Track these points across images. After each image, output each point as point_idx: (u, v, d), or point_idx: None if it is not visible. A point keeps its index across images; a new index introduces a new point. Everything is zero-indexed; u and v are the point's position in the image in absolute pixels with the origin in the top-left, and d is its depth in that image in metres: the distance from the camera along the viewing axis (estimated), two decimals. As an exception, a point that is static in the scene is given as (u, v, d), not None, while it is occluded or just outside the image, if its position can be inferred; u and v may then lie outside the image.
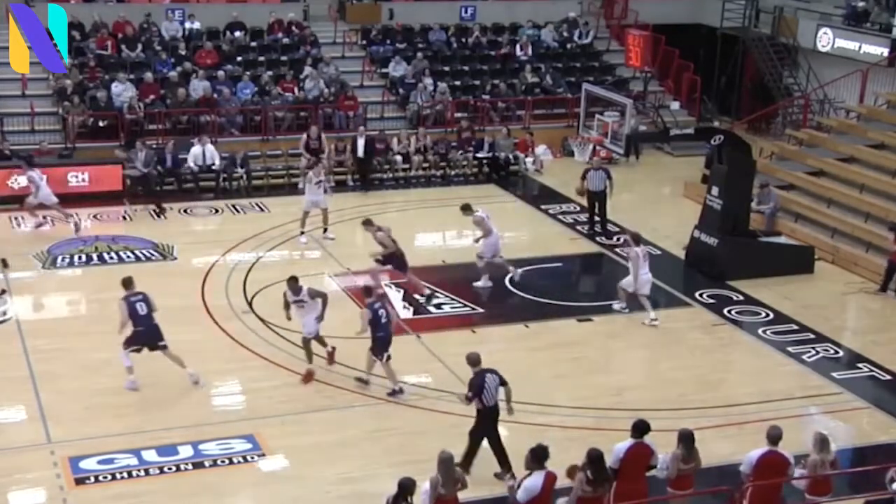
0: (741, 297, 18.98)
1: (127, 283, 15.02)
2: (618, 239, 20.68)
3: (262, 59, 28.07)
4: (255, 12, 29.37)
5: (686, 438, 11.29)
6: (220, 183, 24.00)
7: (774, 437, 11.22)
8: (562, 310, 18.24)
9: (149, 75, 26.14)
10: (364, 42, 29.75)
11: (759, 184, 21.81)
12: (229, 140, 25.05)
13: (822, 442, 11.42)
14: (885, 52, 26.81)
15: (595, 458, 10.71)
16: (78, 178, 23.21)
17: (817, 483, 11.32)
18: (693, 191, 24.32)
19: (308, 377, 15.27)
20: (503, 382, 12.62)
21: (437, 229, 22.42)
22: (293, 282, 15.38)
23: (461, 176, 25.88)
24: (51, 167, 22.51)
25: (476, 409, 12.59)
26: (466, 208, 19.15)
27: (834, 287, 19.76)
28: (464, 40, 30.41)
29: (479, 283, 18.95)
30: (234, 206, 22.86)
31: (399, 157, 25.59)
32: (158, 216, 22.29)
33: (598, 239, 21.87)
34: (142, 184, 22.80)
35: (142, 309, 14.71)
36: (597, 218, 22.03)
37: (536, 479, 10.60)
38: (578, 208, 23.71)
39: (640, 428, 11.20)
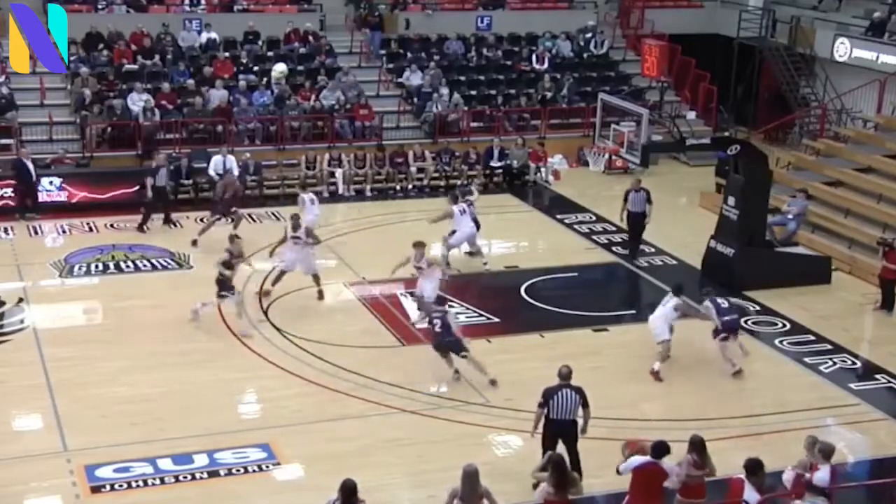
0: (758, 308, 18.91)
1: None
2: None
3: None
4: (272, 22, 29.47)
5: (698, 445, 11.27)
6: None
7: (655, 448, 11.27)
8: (577, 320, 18.21)
9: (166, 85, 26.25)
10: (382, 52, 29.81)
11: (797, 189, 21.92)
12: (245, 149, 25.09)
13: (814, 444, 11.46)
14: (903, 61, 26.74)
15: (557, 462, 10.98)
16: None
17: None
18: (709, 201, 24.27)
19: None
20: (585, 404, 12.53)
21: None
22: (419, 246, 17.45)
23: (480, 186, 25.90)
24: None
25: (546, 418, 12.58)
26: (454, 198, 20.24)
27: (851, 298, 19.67)
28: (480, 50, 30.44)
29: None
30: (249, 215, 22.91)
31: (414, 169, 25.69)
32: (172, 226, 22.41)
33: (613, 249, 21.84)
34: (161, 196, 22.75)
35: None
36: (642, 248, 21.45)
37: (639, 459, 11.03)
38: (594, 218, 23.70)
39: (659, 449, 11.18)
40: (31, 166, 22.68)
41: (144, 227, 21.95)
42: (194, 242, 20.95)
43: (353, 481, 10.33)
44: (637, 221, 20.93)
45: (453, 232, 19.99)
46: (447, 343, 15.36)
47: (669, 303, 16.22)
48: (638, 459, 11.13)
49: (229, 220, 21.37)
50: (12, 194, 22.74)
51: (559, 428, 12.50)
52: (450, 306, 16.42)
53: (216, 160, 23.83)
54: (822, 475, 11.05)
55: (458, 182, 25.87)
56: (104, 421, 14.24)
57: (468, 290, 19.28)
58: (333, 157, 25.35)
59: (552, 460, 11.07)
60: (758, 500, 10.76)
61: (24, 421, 14.45)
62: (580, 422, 12.66)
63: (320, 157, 25.28)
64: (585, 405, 12.56)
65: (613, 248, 21.87)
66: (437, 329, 15.36)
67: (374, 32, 29.65)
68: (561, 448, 12.40)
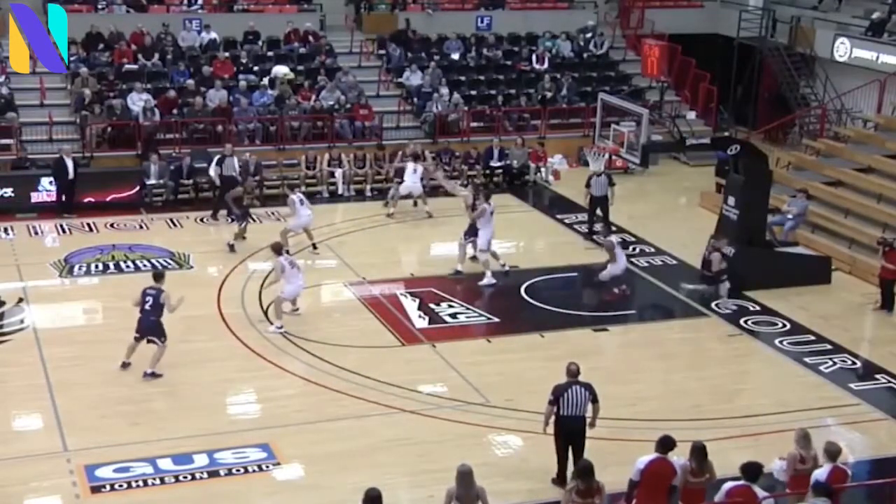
0: (758, 308, 18.91)
1: (157, 276, 16.00)
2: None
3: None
4: (272, 22, 29.47)
5: (697, 452, 11.20)
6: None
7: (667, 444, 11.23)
8: (577, 319, 18.20)
9: (171, 92, 26.17)
10: (381, 52, 29.82)
11: (797, 189, 22.02)
12: (245, 149, 25.06)
13: (804, 438, 11.52)
14: (903, 61, 26.74)
15: (584, 469, 10.83)
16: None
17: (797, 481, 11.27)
18: (709, 200, 24.27)
19: None
20: (594, 399, 12.65)
21: (452, 238, 22.38)
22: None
23: (480, 186, 25.93)
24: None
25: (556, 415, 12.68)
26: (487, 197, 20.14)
27: (851, 297, 19.66)
28: (480, 50, 30.45)
29: (484, 282, 19.58)
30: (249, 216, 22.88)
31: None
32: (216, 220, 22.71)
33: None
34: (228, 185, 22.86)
35: (148, 304, 15.48)
36: (598, 225, 22.11)
37: (645, 458, 11.03)
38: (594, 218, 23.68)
39: (665, 443, 11.15)
40: (69, 165, 22.77)
41: (232, 219, 22.36)
42: (232, 247, 20.84)
43: (378, 490, 10.29)
44: (600, 204, 22.32)
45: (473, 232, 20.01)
46: (150, 323, 15.44)
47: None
48: (645, 458, 11.10)
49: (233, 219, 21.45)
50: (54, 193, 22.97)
51: (569, 424, 12.59)
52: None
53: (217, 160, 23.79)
54: (821, 472, 11.03)
55: (459, 182, 25.88)
56: (104, 421, 14.24)
57: (468, 290, 19.28)
58: (333, 157, 25.35)
59: (580, 467, 10.91)
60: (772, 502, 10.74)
61: (24, 421, 14.44)
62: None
63: (320, 157, 25.28)
64: (595, 401, 12.66)
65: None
66: (147, 307, 15.44)
67: (397, 48, 29.63)
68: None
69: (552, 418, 12.65)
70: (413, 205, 23.73)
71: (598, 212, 22.40)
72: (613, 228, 22.29)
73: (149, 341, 15.50)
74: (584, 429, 12.67)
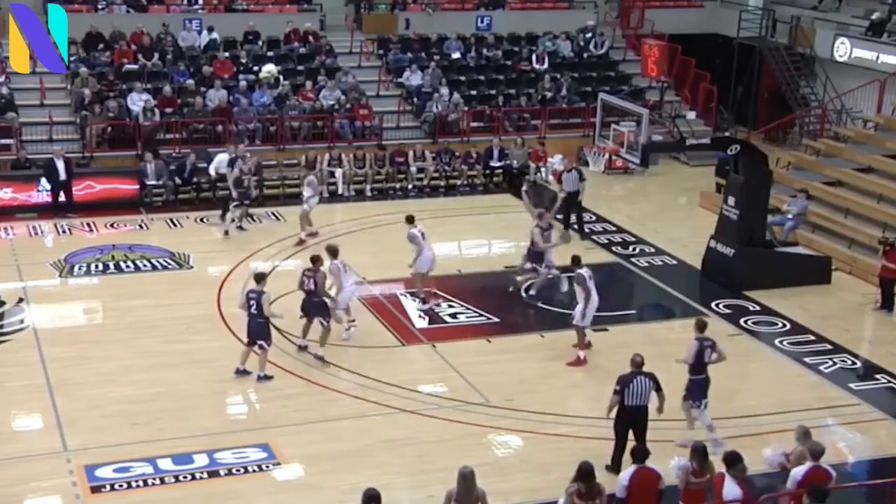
0: (757, 308, 18.91)
1: (258, 278, 15.62)
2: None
3: (278, 68, 28.13)
4: (272, 22, 29.48)
5: (698, 452, 11.20)
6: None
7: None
8: (577, 319, 18.19)
9: (167, 88, 26.16)
10: (381, 52, 29.84)
11: (797, 189, 22.10)
12: (245, 149, 25.02)
13: (804, 434, 11.62)
14: (903, 61, 26.75)
15: (586, 471, 10.72)
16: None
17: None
18: (709, 200, 24.28)
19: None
20: (658, 388, 12.98)
21: (452, 238, 22.45)
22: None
23: (480, 186, 26.01)
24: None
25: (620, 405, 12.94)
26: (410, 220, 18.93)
27: (851, 297, 19.67)
28: (480, 50, 30.46)
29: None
30: (249, 216, 22.90)
31: (414, 169, 25.68)
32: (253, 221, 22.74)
33: (613, 249, 21.84)
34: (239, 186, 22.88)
35: (252, 307, 15.23)
36: (573, 218, 22.69)
37: (627, 472, 11.03)
38: (594, 218, 23.68)
39: (639, 454, 11.19)
40: (60, 166, 22.68)
41: (239, 222, 22.48)
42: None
43: (376, 490, 10.25)
44: (571, 201, 22.29)
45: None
46: (257, 325, 15.28)
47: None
48: (626, 473, 11.08)
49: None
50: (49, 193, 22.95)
51: (633, 413, 12.89)
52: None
53: (220, 159, 23.75)
54: (799, 471, 11.02)
55: (458, 182, 25.90)
56: (104, 421, 14.24)
57: (468, 290, 19.28)
58: (333, 157, 25.35)
59: (581, 469, 10.80)
60: (738, 493, 10.70)
61: (24, 421, 14.45)
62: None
63: (320, 157, 25.27)
64: (659, 389, 13.02)
65: (613, 248, 21.87)
66: (253, 310, 15.24)
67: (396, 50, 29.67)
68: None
69: (616, 407, 12.99)
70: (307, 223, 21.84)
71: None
72: (587, 229, 22.41)
73: (258, 346, 15.36)
74: (647, 416, 12.97)
